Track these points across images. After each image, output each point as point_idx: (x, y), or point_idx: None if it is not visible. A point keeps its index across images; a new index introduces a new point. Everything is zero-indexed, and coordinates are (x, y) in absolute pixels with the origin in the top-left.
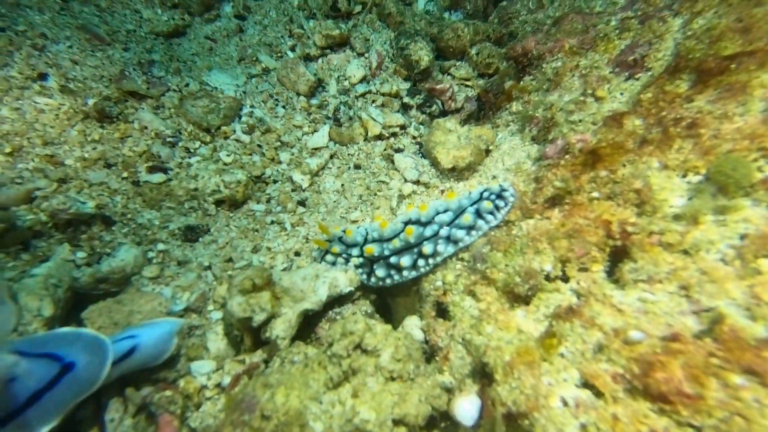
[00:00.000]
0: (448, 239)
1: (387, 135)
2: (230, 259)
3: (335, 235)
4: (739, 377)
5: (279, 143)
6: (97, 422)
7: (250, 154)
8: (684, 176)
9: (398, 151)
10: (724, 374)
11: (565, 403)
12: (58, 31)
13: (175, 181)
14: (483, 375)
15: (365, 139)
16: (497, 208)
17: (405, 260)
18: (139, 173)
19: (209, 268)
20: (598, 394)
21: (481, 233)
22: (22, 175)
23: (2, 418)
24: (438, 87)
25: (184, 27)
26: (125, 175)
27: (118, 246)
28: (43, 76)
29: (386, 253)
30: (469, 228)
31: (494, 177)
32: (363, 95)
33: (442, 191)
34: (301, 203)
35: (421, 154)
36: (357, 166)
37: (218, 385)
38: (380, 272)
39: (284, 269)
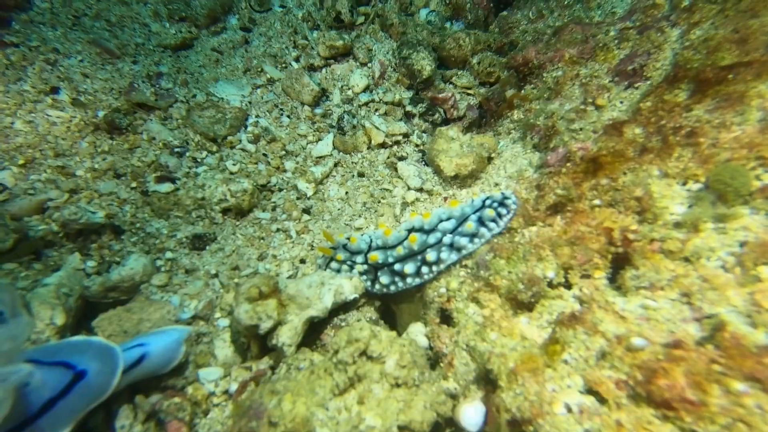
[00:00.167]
0: (452, 247)
1: (390, 143)
2: (237, 267)
3: (340, 243)
4: (741, 384)
5: (284, 152)
6: (107, 429)
7: (256, 163)
8: (684, 184)
9: (401, 159)
10: (727, 381)
11: (569, 410)
12: (69, 45)
13: (183, 190)
14: (487, 381)
15: (369, 148)
16: (499, 215)
17: (409, 267)
18: (147, 183)
19: (216, 276)
20: (602, 400)
21: (483, 241)
22: (34, 186)
23: (17, 426)
24: (440, 96)
25: (191, 40)
26: (134, 185)
27: (127, 255)
28: (55, 90)
29: (390, 260)
30: (472, 235)
31: (497, 184)
32: (366, 104)
33: (445, 198)
34: (306, 211)
35: (424, 162)
36: (361, 174)
37: (226, 392)
38: (384, 279)
39: (290, 277)
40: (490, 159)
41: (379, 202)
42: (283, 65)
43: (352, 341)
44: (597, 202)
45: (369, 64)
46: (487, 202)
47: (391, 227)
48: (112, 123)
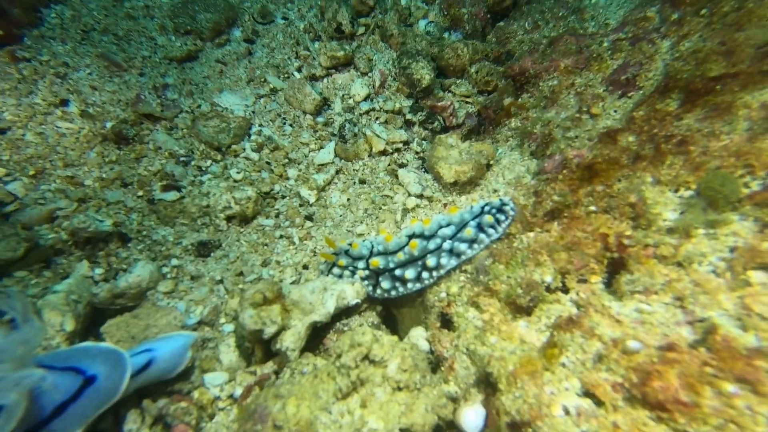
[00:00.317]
0: (451, 252)
1: (391, 151)
2: (241, 273)
3: (342, 249)
4: (732, 385)
5: (287, 160)
6: None
7: (259, 171)
8: (676, 191)
9: (402, 166)
10: (718, 383)
11: (567, 412)
12: (79, 59)
13: (188, 198)
14: (487, 384)
15: (370, 155)
16: (498, 221)
17: (409, 273)
18: (153, 192)
19: (221, 282)
20: (599, 402)
21: (483, 246)
22: (44, 195)
23: (30, 429)
24: (439, 104)
25: (196, 52)
26: (141, 193)
27: (134, 262)
28: (64, 102)
29: (391, 265)
30: (471, 241)
31: (495, 191)
32: (367, 113)
33: (445, 205)
34: (309, 218)
35: (424, 169)
36: (362, 181)
37: (231, 396)
38: (385, 284)
39: (293, 282)
40: (488, 166)
41: (380, 208)
42: (286, 75)
43: (354, 345)
44: (593, 208)
45: (369, 74)
46: (486, 208)
47: (392, 233)
48: (119, 133)
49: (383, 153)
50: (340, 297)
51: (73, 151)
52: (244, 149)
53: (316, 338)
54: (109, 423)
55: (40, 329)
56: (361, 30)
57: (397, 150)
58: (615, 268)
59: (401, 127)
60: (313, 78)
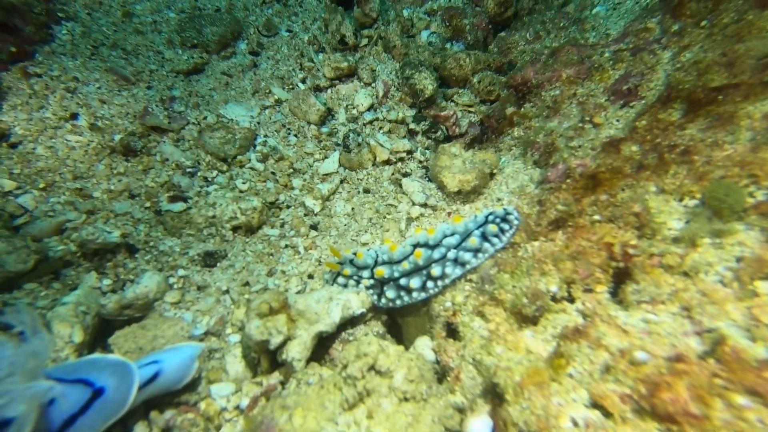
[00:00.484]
0: (456, 261)
1: (394, 160)
2: (247, 283)
3: (346, 258)
4: (742, 398)
5: (291, 170)
6: None
7: (265, 182)
8: (680, 200)
9: (406, 175)
10: (728, 395)
11: (575, 424)
12: (88, 74)
13: (195, 209)
14: (494, 395)
15: (374, 165)
16: (502, 231)
17: (414, 282)
18: (161, 203)
19: (227, 292)
20: (607, 414)
21: (487, 255)
22: (54, 208)
23: None
24: (442, 113)
25: (203, 64)
26: (148, 204)
27: (141, 273)
28: (74, 116)
29: (396, 275)
30: (476, 251)
31: (499, 200)
32: (371, 123)
33: (449, 214)
34: (314, 227)
35: (427, 178)
36: (366, 191)
37: (237, 407)
38: (390, 294)
39: (298, 292)
40: (492, 175)
41: (385, 217)
42: (290, 86)
43: (360, 356)
44: (597, 217)
45: (373, 84)
46: (490, 217)
47: (397, 243)
48: (127, 146)
49: (387, 162)
50: (345, 307)
51: (82, 163)
52: (250, 160)
53: (321, 348)
54: None
55: (50, 342)
56: (365, 41)
57: (401, 159)
58: (620, 277)
59: (405, 137)
60: (318, 89)
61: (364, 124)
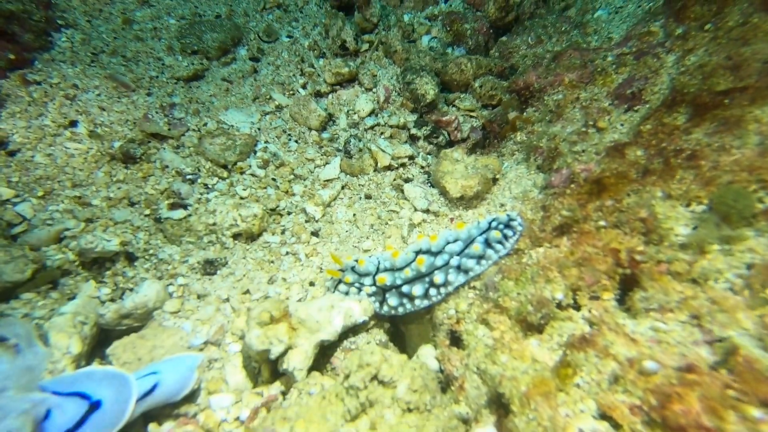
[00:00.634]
0: (459, 268)
1: (396, 165)
2: (247, 291)
3: (348, 265)
4: (757, 410)
5: (292, 176)
6: None
7: (265, 188)
8: (687, 206)
9: (407, 180)
10: (742, 407)
11: None
12: (88, 81)
13: (195, 216)
14: (499, 405)
15: (375, 170)
16: (506, 237)
17: (417, 289)
18: (160, 210)
19: (227, 300)
20: (617, 426)
21: (491, 262)
22: (52, 216)
23: None
24: (444, 118)
25: (203, 71)
26: (147, 212)
27: (140, 281)
28: (73, 123)
29: (398, 282)
30: (479, 257)
31: (502, 205)
32: (372, 128)
33: (452, 220)
34: (315, 234)
35: (429, 184)
36: (368, 197)
37: (237, 419)
38: (392, 301)
39: (299, 300)
40: (494, 180)
41: (387, 223)
42: (291, 92)
43: (363, 365)
44: (602, 223)
45: (374, 90)
46: (493, 223)
47: (399, 249)
48: (127, 153)
49: (388, 168)
50: (347, 315)
51: (81, 171)
52: (250, 166)
53: (323, 357)
54: None
55: (45, 355)
56: (365, 47)
57: (403, 165)
58: (628, 284)
59: (406, 142)
60: (318, 94)
61: (366, 130)
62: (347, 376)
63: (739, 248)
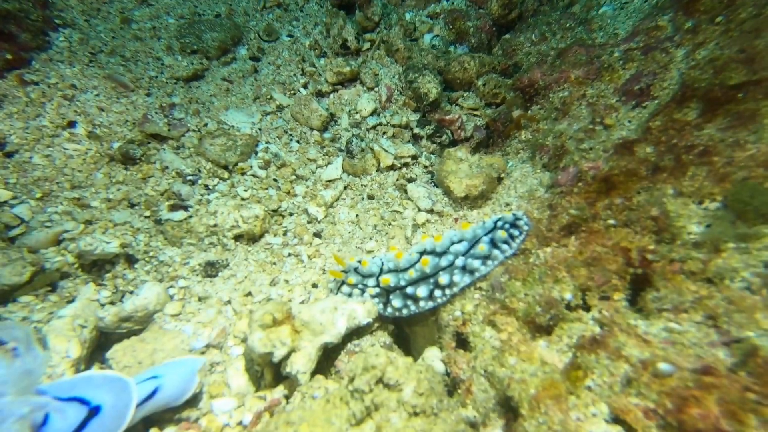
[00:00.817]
0: (464, 269)
1: (399, 165)
2: (249, 293)
3: (351, 266)
4: None
5: (294, 177)
6: None
7: (267, 189)
8: (700, 203)
9: (411, 180)
10: (763, 410)
11: None
12: (86, 81)
13: (195, 218)
14: (508, 409)
15: (378, 170)
16: (512, 237)
17: (421, 291)
18: (160, 212)
19: (229, 303)
20: (630, 430)
21: (497, 263)
22: (51, 218)
23: None
24: (447, 117)
25: (203, 70)
26: (148, 214)
27: (140, 284)
28: (72, 124)
29: (402, 283)
30: (485, 258)
31: (507, 204)
32: (374, 127)
33: (456, 220)
34: (317, 235)
35: (433, 183)
36: (370, 197)
37: (240, 423)
38: (397, 303)
39: (302, 302)
40: (499, 179)
41: (390, 224)
42: (292, 92)
43: (368, 368)
44: (612, 221)
45: (376, 89)
46: (499, 223)
47: (403, 250)
48: (126, 154)
49: (391, 168)
50: (351, 317)
51: (80, 172)
52: (251, 167)
53: (327, 360)
54: None
55: (44, 359)
56: (367, 45)
57: (406, 164)
58: (639, 284)
59: (409, 142)
60: (320, 94)
61: (368, 129)
62: (352, 379)
63: (756, 246)
